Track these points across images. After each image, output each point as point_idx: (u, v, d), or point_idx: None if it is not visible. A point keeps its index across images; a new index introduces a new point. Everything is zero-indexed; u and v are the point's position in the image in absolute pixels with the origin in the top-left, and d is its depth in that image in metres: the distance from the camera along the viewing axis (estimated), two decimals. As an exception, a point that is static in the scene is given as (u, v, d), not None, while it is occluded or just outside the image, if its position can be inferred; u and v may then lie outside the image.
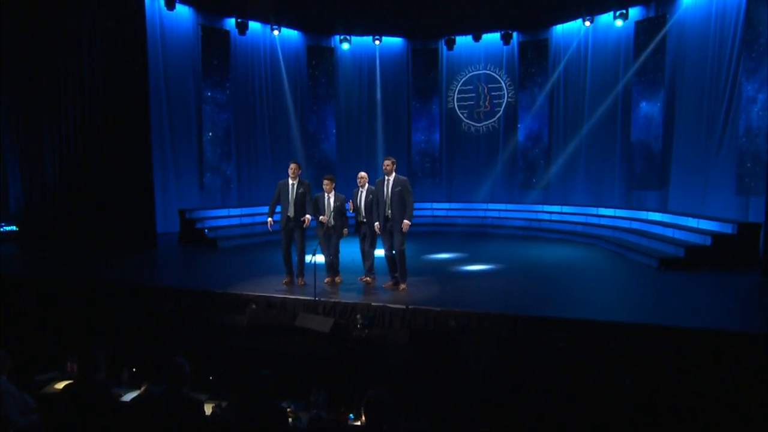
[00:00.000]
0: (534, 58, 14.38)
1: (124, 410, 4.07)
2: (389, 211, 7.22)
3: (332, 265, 7.87)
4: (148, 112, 11.02)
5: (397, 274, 7.54)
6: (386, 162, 7.26)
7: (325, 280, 7.80)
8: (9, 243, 11.21)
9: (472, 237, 12.85)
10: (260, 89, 14.36)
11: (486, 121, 15.02)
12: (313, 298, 6.89)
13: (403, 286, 7.37)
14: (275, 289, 7.46)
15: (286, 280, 7.82)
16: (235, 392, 4.45)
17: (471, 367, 5.27)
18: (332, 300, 6.94)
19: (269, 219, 7.69)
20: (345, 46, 15.09)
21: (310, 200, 7.59)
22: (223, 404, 4.27)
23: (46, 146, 10.81)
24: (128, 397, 4.70)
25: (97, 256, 9.59)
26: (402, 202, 7.19)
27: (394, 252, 7.28)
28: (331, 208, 7.65)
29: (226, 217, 12.60)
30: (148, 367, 4.90)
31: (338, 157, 15.18)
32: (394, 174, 7.27)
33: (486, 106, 15.02)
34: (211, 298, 7.33)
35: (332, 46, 15.24)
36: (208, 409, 4.13)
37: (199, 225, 11.79)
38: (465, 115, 15.29)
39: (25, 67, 10.51)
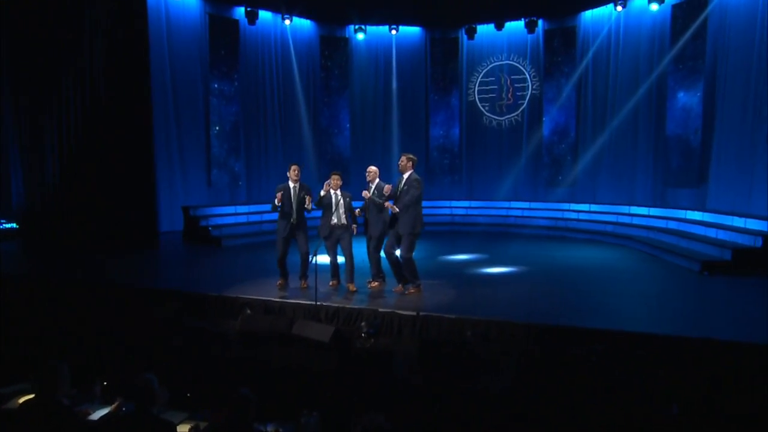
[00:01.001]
0: (560, 47, 13.76)
1: (85, 432, 3.53)
2: (398, 211, 6.76)
3: (336, 268, 7.40)
4: (150, 107, 10.69)
5: (402, 278, 7.07)
6: (401, 158, 6.84)
7: (330, 283, 7.35)
8: (11, 240, 11.13)
9: (494, 237, 12.45)
10: (270, 81, 13.96)
11: (509, 114, 14.55)
12: (313, 303, 6.34)
13: (412, 290, 6.88)
14: (275, 292, 7.03)
15: (280, 281, 7.41)
16: (214, 412, 3.91)
17: (488, 386, 4.60)
18: (335, 305, 6.49)
19: (278, 195, 7.07)
20: (360, 36, 14.64)
21: (310, 201, 7.15)
22: (202, 425, 3.72)
23: (47, 141, 10.68)
24: (98, 414, 4.16)
25: (94, 256, 9.42)
26: (410, 201, 6.75)
27: (400, 257, 6.80)
28: (342, 206, 7.11)
29: (233, 214, 12.26)
30: (121, 381, 4.36)
31: (352, 153, 14.75)
32: (408, 172, 6.81)
33: (509, 99, 14.53)
34: (204, 301, 6.93)
35: (346, 36, 14.78)
36: (185, 429, 3.60)
37: (203, 223, 11.46)
38: (486, 108, 14.81)
39: (26, 61, 10.42)
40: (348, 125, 14.77)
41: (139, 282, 7.63)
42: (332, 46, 14.62)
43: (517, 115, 14.49)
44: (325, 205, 7.13)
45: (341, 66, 14.61)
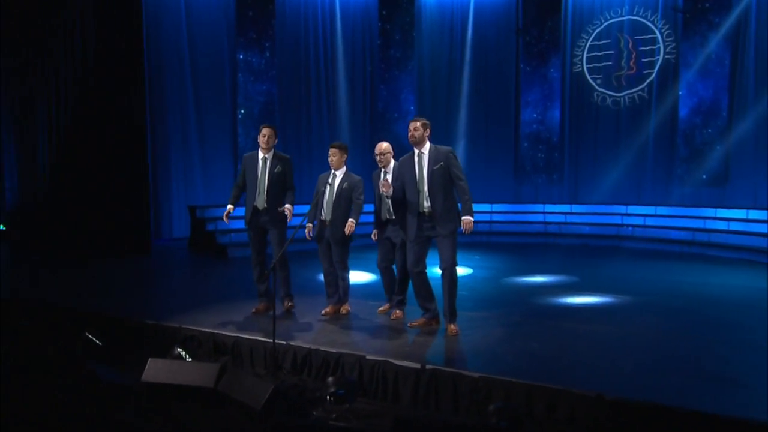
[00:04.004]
0: (708, -10, 12.14)
1: None
2: (427, 205, 5.35)
3: (332, 288, 6.14)
4: (143, 91, 10.35)
5: (431, 305, 5.60)
6: (413, 125, 5.40)
7: (324, 311, 6.07)
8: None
9: (598, 252, 11.27)
10: (316, 51, 13.12)
11: (630, 89, 12.94)
12: (264, 340, 5.10)
13: (453, 327, 5.37)
14: (243, 321, 5.90)
15: (258, 307, 6.26)
16: None
17: None
18: (306, 345, 5.10)
19: (229, 207, 6.12)
20: (430, -11, 13.77)
21: (292, 185, 6.09)
22: None
23: (39, 132, 10.76)
24: None
25: (71, 263, 9.33)
26: (447, 186, 5.35)
27: (442, 269, 5.36)
28: (333, 195, 5.87)
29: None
30: None
31: None
32: (427, 144, 5.40)
33: (631, 67, 12.93)
34: (131, 331, 5.83)
35: (412, -11, 13.95)
36: None
37: (210, 226, 10.66)
38: (599, 81, 13.24)
39: (17, 47, 10.58)
40: (412, 108, 13.85)
41: (60, 299, 6.76)
42: (393, 5, 13.87)
43: (641, 89, 12.87)
44: (319, 193, 5.94)
45: (404, 30, 13.80)
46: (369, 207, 6.27)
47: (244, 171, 6.12)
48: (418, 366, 4.48)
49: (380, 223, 5.92)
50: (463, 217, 5.27)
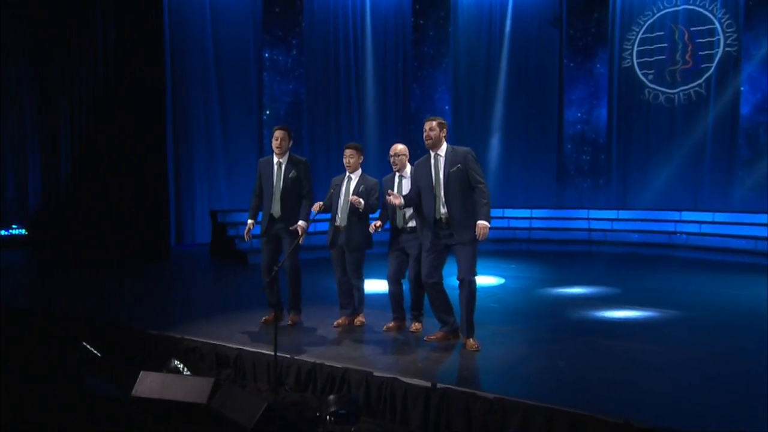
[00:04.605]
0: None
1: None
2: (443, 211, 5.16)
3: (346, 298, 5.97)
4: (163, 90, 10.52)
5: (449, 318, 5.38)
6: (428, 125, 5.21)
7: (336, 323, 5.92)
8: (17, 249, 11.43)
9: (647, 262, 10.89)
10: (345, 47, 13.14)
11: (685, 84, 12.69)
12: (268, 353, 4.87)
13: (473, 342, 5.14)
14: (251, 332, 5.77)
15: (268, 317, 6.09)
16: None
17: None
18: (310, 359, 4.94)
19: (249, 222, 6.01)
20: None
21: (309, 193, 5.89)
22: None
23: (60, 135, 11.15)
24: None
25: (86, 268, 9.47)
26: (466, 190, 5.17)
27: (459, 279, 5.19)
28: (349, 197, 5.68)
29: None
30: None
31: None
32: (444, 145, 5.23)
33: (686, 61, 12.69)
34: (132, 340, 5.77)
35: (447, -20, 13.79)
36: None
37: (231, 232, 10.59)
38: (650, 77, 13.00)
39: (39, 50, 11.18)
40: (447, 108, 13.68)
41: (68, 308, 6.69)
42: (427, -4, 13.81)
43: (698, 85, 12.58)
44: (333, 201, 5.82)
45: (439, 25, 13.62)
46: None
47: (259, 178, 6.00)
48: (428, 385, 4.24)
49: (394, 231, 5.73)
50: (478, 222, 5.01)
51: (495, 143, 13.53)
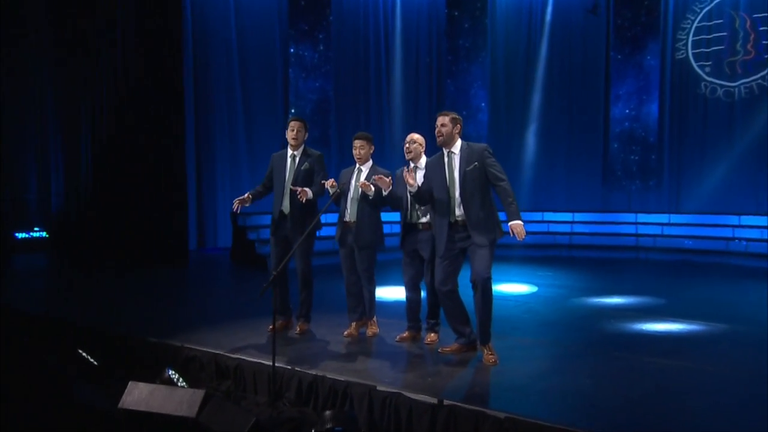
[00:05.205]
0: None
1: None
2: (459, 212, 5.04)
3: (355, 300, 5.87)
4: (180, 92, 10.57)
5: (465, 329, 5.23)
6: (440, 120, 5.09)
7: (346, 332, 5.78)
8: (38, 252, 11.62)
9: (700, 270, 10.71)
10: (376, 43, 13.18)
11: (747, 77, 12.54)
12: (269, 364, 4.78)
13: (489, 355, 4.99)
14: (257, 341, 5.69)
15: (275, 324, 5.91)
16: None
17: None
18: (312, 372, 4.81)
19: (246, 194, 5.91)
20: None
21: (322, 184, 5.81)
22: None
23: (83, 138, 11.28)
24: None
25: (104, 272, 9.65)
26: (483, 190, 5.05)
27: (473, 282, 5.03)
28: (359, 192, 5.58)
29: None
30: None
31: (492, 147, 13.30)
32: (458, 141, 5.10)
33: (748, 52, 12.54)
34: (131, 348, 5.78)
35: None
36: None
37: (251, 235, 10.61)
38: (707, 69, 12.88)
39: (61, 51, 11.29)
40: (484, 105, 13.65)
41: (72, 315, 6.72)
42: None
43: (761, 77, 12.38)
44: (343, 191, 5.71)
45: (475, 17, 13.53)
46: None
47: (271, 171, 5.96)
48: (434, 401, 4.10)
49: (405, 227, 5.56)
50: (510, 223, 4.77)
51: (534, 142, 13.47)
